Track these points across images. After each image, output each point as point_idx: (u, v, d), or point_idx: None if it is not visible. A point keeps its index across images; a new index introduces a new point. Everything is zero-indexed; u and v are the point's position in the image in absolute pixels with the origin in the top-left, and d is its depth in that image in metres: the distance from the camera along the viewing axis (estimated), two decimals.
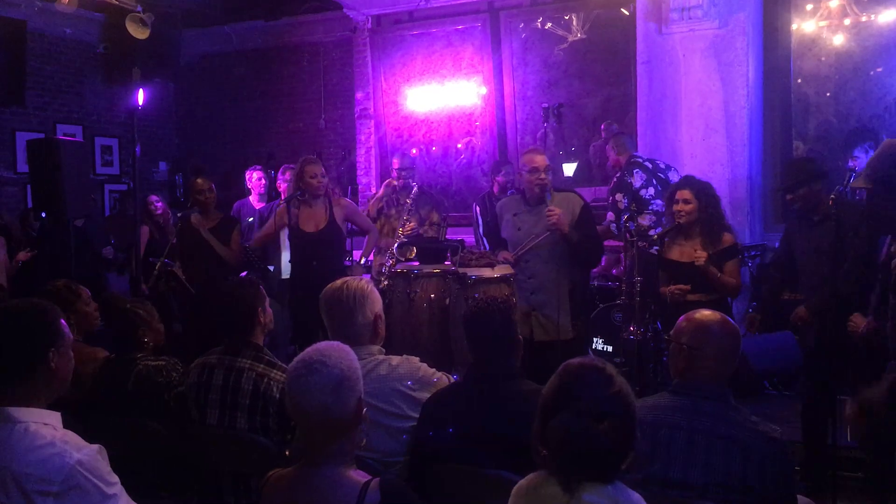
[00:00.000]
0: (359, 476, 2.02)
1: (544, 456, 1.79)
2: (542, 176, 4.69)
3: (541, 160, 4.74)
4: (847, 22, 6.91)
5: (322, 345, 2.11)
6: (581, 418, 1.74)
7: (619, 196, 5.97)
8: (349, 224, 5.62)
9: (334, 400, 1.99)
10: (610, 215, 6.04)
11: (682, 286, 4.51)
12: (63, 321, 2.22)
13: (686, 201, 4.51)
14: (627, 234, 5.30)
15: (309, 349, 2.09)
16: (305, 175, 5.27)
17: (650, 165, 6.04)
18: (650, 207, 5.94)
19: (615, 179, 6.23)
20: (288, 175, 6.45)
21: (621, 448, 1.78)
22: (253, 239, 5.47)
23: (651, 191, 5.98)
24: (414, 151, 8.95)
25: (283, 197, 6.19)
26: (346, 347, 2.14)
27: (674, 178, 5.92)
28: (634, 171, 5.96)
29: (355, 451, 2.11)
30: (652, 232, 5.54)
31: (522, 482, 1.91)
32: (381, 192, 6.86)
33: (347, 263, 5.52)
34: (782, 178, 4.67)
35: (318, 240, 5.25)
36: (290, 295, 5.39)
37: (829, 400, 4.11)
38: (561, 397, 1.82)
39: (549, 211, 4.59)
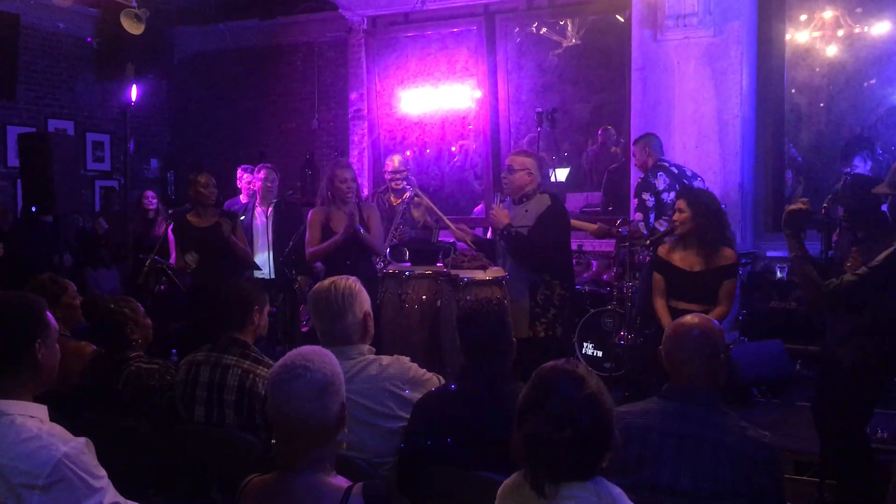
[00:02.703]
0: (340, 482, 1.98)
1: (521, 458, 1.80)
2: (503, 174, 4.88)
3: (513, 160, 4.88)
4: (840, 33, 6.96)
5: (305, 349, 2.08)
6: (550, 421, 1.74)
7: (646, 195, 5.92)
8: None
9: (318, 406, 1.95)
10: (638, 215, 6.01)
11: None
12: (50, 315, 2.21)
13: (680, 210, 4.48)
14: (628, 238, 5.31)
15: (291, 353, 2.06)
16: (336, 180, 5.25)
17: (676, 171, 5.98)
18: (671, 213, 5.90)
19: (639, 180, 6.21)
20: (263, 174, 6.42)
21: (595, 448, 1.78)
22: (313, 253, 5.36)
23: (673, 195, 5.95)
24: (408, 153, 8.95)
25: (259, 195, 6.25)
26: (328, 352, 2.11)
27: (699, 186, 5.88)
28: (658, 174, 5.91)
29: (337, 454, 2.08)
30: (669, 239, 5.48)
31: (507, 482, 1.92)
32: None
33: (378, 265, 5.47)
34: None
35: (351, 242, 5.20)
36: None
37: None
38: (532, 401, 1.82)
39: (492, 207, 4.81)
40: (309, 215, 5.42)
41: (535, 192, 4.86)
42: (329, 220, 5.28)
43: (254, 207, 6.34)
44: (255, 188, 6.42)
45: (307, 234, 5.37)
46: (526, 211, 4.79)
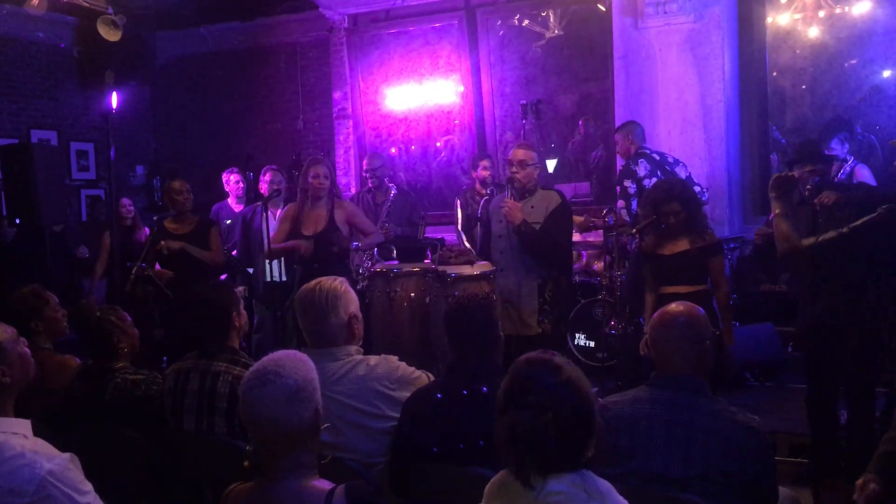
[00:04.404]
0: (323, 485, 1.97)
1: (504, 450, 1.79)
2: (514, 169, 4.73)
3: (516, 154, 4.78)
4: (821, 14, 6.95)
5: (278, 354, 2.06)
6: (527, 412, 1.74)
7: (627, 183, 5.92)
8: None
9: (289, 411, 1.94)
10: (620, 203, 6.01)
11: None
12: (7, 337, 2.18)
13: (676, 213, 4.46)
14: (613, 226, 5.29)
15: (265, 359, 2.04)
16: (308, 175, 5.18)
17: (657, 157, 5.97)
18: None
19: (620, 168, 6.21)
20: (269, 176, 6.39)
21: (576, 437, 1.77)
22: (270, 250, 5.27)
23: (654, 182, 5.94)
24: (393, 150, 8.93)
25: (265, 197, 6.15)
26: (304, 356, 2.08)
27: (681, 173, 5.87)
28: (640, 161, 5.91)
29: (327, 456, 2.07)
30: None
31: (494, 479, 1.91)
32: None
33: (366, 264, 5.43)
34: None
35: (317, 242, 5.14)
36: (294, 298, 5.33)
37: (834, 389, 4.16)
38: (510, 393, 1.82)
39: (503, 203, 4.66)
40: (283, 210, 5.37)
41: (537, 186, 4.83)
42: (300, 217, 5.22)
43: (261, 210, 6.24)
44: (262, 190, 6.37)
45: (276, 228, 5.31)
46: (532, 207, 4.70)
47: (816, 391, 4.18)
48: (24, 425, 2.09)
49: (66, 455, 2.04)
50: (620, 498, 1.81)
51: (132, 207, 7.31)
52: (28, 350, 2.22)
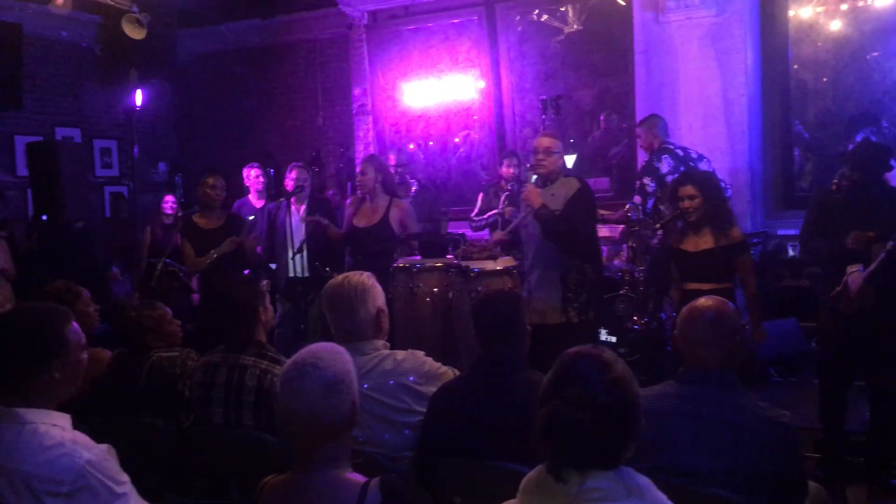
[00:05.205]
0: (356, 478, 1.97)
1: (539, 442, 1.76)
2: (540, 157, 4.64)
3: (541, 142, 4.68)
4: (844, 7, 6.90)
5: (315, 346, 2.06)
6: (569, 406, 1.71)
7: (647, 180, 5.87)
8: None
9: (327, 403, 1.94)
10: (637, 199, 5.98)
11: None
12: (74, 327, 2.21)
13: (691, 197, 4.40)
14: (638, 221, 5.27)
15: (302, 350, 2.04)
16: (356, 171, 5.55)
17: (681, 153, 5.92)
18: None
19: (643, 163, 6.17)
20: (295, 173, 6.42)
21: (615, 437, 1.73)
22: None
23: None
24: (411, 147, 8.95)
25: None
26: (341, 349, 2.09)
27: (705, 168, 5.82)
28: (663, 157, 5.85)
29: (351, 451, 2.08)
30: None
31: (530, 474, 1.89)
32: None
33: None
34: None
35: (366, 235, 5.36)
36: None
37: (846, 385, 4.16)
38: (553, 385, 1.78)
39: (524, 188, 4.58)
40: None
41: (560, 174, 4.76)
42: (358, 210, 5.66)
43: (287, 206, 6.28)
44: (287, 187, 6.41)
45: None
46: (552, 195, 4.61)
47: (835, 387, 4.19)
48: (65, 419, 2.13)
49: (104, 446, 2.08)
50: (660, 494, 1.77)
51: (175, 205, 7.36)
52: (86, 361, 2.25)
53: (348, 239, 5.75)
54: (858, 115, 6.18)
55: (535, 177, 4.60)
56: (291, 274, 5.99)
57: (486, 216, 6.73)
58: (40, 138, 8.45)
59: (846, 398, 4.23)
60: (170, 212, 7.26)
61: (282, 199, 6.15)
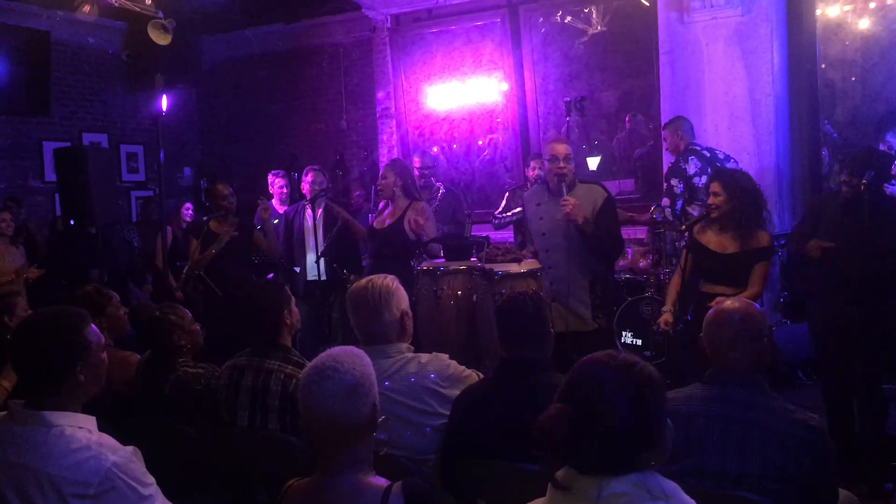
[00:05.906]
0: (379, 481, 1.98)
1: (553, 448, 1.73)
2: (561, 165, 4.61)
3: (560, 149, 4.66)
4: (872, 5, 6.81)
5: (336, 350, 2.07)
6: (578, 409, 1.68)
7: (674, 181, 5.84)
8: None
9: (347, 407, 1.94)
10: (665, 201, 5.94)
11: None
12: (93, 328, 2.23)
13: (716, 194, 4.35)
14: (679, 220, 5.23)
15: (322, 354, 2.05)
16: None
17: (708, 154, 5.89)
18: (703, 197, 5.80)
19: (670, 165, 6.13)
20: (311, 177, 6.45)
21: (626, 444, 1.67)
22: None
23: (705, 179, 5.85)
24: (435, 150, 8.95)
25: (307, 198, 6.22)
26: (361, 352, 2.09)
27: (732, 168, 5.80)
28: (690, 158, 5.82)
29: (373, 454, 2.07)
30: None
31: (558, 474, 1.87)
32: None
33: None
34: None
35: (382, 237, 5.47)
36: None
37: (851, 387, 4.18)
38: (568, 390, 1.75)
39: (564, 201, 4.51)
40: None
41: (576, 179, 4.73)
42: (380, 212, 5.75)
43: (304, 209, 6.34)
44: (304, 191, 6.45)
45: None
46: (564, 200, 4.54)
47: (838, 388, 4.19)
48: (90, 421, 2.14)
49: (130, 448, 2.09)
50: (688, 498, 1.74)
51: (193, 213, 7.49)
52: (107, 361, 2.27)
53: (367, 238, 5.84)
54: (888, 114, 6.10)
55: (564, 186, 4.58)
56: (311, 277, 6.03)
57: (509, 214, 6.75)
58: (68, 144, 8.56)
59: (851, 399, 4.24)
60: (189, 219, 7.39)
61: (300, 203, 6.23)
